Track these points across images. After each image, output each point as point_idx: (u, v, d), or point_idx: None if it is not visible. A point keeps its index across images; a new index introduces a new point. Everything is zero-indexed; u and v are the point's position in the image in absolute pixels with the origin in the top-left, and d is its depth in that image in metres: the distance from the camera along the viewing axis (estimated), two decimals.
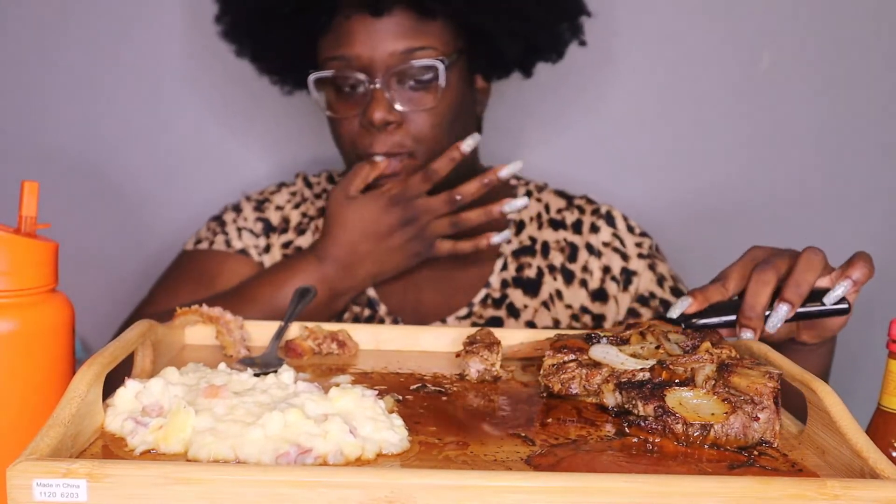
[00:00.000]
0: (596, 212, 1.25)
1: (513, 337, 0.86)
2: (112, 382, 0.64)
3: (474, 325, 1.18)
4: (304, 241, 1.26)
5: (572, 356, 0.72)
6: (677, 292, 1.20)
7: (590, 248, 1.22)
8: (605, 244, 1.22)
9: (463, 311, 1.20)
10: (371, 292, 1.20)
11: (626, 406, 0.67)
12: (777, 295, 0.82)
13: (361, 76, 1.09)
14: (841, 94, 1.49)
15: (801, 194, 1.52)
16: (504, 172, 1.08)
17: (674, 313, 0.83)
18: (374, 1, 1.07)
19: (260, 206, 1.28)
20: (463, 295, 1.21)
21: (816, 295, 0.83)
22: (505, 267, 1.22)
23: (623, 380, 0.69)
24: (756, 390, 0.64)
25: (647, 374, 0.68)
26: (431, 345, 0.88)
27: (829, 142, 1.51)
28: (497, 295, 1.20)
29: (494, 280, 1.21)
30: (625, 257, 1.21)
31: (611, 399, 0.70)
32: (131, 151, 1.51)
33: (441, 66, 1.10)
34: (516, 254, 1.23)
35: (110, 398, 0.63)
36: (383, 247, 1.09)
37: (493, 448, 0.62)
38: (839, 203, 1.52)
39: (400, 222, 1.08)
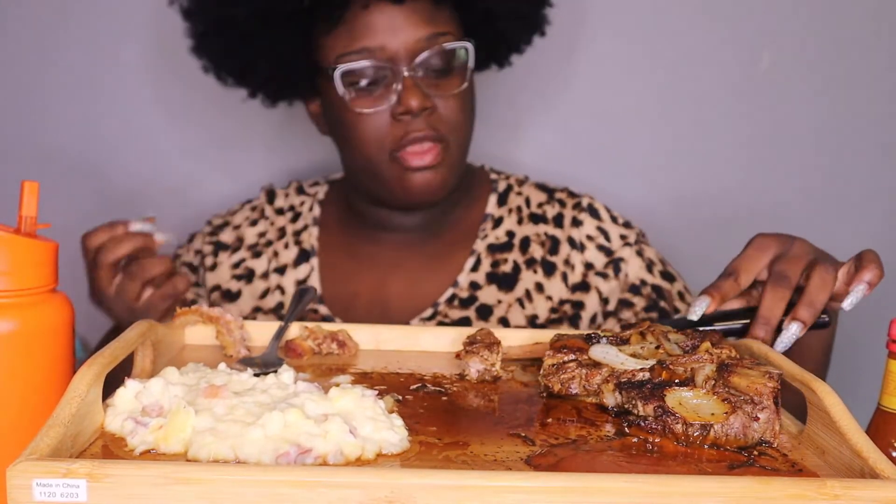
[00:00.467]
0: (577, 205, 1.24)
1: (513, 337, 0.86)
2: (112, 382, 0.64)
3: (440, 325, 1.16)
4: (258, 264, 1.26)
5: (572, 356, 0.72)
6: (667, 276, 1.20)
7: (572, 242, 1.21)
8: (590, 238, 1.21)
9: (427, 312, 1.18)
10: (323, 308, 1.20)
11: (626, 406, 0.67)
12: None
13: (389, 65, 1.08)
14: (841, 94, 1.49)
15: (800, 194, 1.52)
16: None
17: (695, 315, 0.82)
18: None
19: (216, 230, 1.30)
20: (429, 295, 1.20)
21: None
22: (476, 266, 1.20)
23: (623, 380, 0.69)
24: (756, 390, 0.64)
25: (647, 374, 0.68)
26: (431, 345, 0.88)
27: (829, 142, 1.51)
28: (465, 294, 1.19)
29: (463, 279, 1.20)
30: (610, 251, 1.20)
31: (611, 399, 0.70)
32: (131, 151, 1.51)
33: (471, 48, 1.10)
34: (492, 249, 1.21)
35: (110, 398, 0.63)
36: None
37: (493, 448, 0.62)
38: (839, 203, 1.52)
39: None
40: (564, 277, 1.20)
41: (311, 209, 1.29)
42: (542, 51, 1.31)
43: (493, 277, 1.20)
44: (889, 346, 0.70)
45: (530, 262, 1.20)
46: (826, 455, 0.63)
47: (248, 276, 1.25)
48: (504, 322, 1.17)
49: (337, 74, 1.09)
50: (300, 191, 1.32)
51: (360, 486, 0.51)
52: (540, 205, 1.25)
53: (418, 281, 1.21)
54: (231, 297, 1.24)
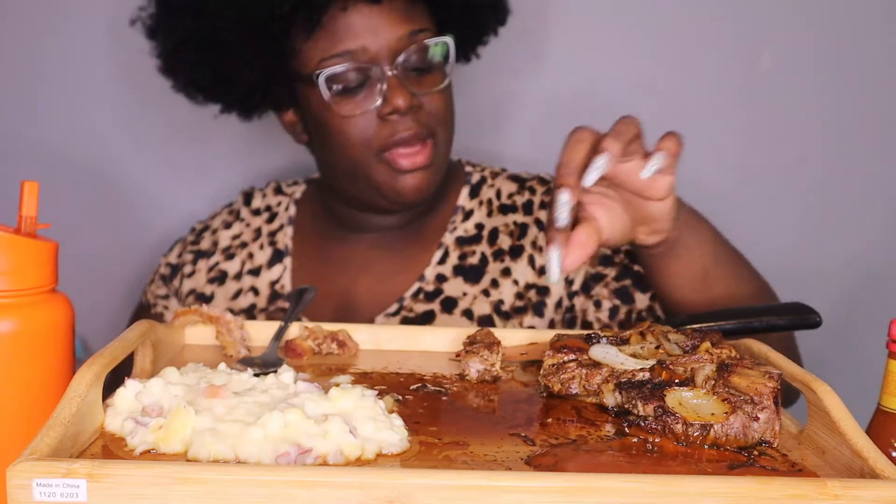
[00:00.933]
0: (548, 191, 1.22)
1: (513, 337, 0.86)
2: (112, 382, 0.64)
3: (404, 319, 1.16)
4: (231, 266, 1.25)
5: (572, 356, 0.72)
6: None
7: (539, 224, 1.19)
8: None
9: (392, 308, 1.17)
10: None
11: (626, 406, 0.67)
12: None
13: (372, 66, 1.07)
14: (841, 94, 1.49)
15: (800, 194, 1.52)
16: None
17: (554, 276, 0.76)
18: None
19: (198, 238, 1.30)
20: (397, 291, 1.19)
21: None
22: (444, 259, 1.19)
23: (623, 380, 0.69)
24: (756, 390, 0.64)
25: (647, 374, 0.68)
26: (431, 345, 0.88)
27: (829, 142, 1.51)
28: (430, 288, 1.17)
29: (429, 273, 1.18)
30: None
31: (611, 399, 0.70)
32: (131, 151, 1.51)
33: (451, 43, 1.10)
34: (460, 242, 1.20)
35: (110, 398, 0.63)
36: None
37: (493, 448, 0.62)
38: (839, 203, 1.52)
39: None
40: (531, 260, 1.18)
41: (286, 209, 1.29)
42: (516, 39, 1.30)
43: (459, 270, 1.18)
44: (889, 346, 0.70)
45: (498, 254, 1.19)
46: (826, 455, 0.63)
47: (221, 278, 1.25)
48: (468, 314, 1.15)
49: (321, 80, 1.08)
50: (278, 191, 1.32)
51: (360, 486, 0.51)
52: (510, 195, 1.23)
53: (388, 277, 1.20)
54: (205, 300, 1.24)
